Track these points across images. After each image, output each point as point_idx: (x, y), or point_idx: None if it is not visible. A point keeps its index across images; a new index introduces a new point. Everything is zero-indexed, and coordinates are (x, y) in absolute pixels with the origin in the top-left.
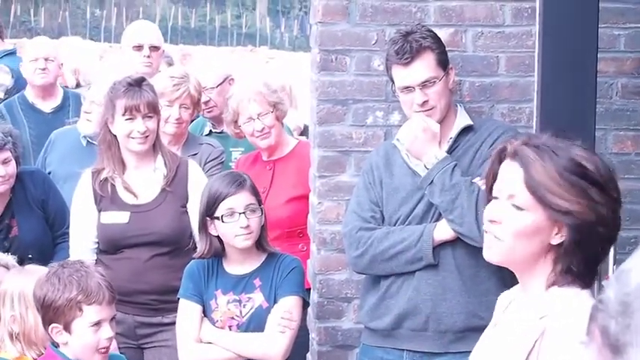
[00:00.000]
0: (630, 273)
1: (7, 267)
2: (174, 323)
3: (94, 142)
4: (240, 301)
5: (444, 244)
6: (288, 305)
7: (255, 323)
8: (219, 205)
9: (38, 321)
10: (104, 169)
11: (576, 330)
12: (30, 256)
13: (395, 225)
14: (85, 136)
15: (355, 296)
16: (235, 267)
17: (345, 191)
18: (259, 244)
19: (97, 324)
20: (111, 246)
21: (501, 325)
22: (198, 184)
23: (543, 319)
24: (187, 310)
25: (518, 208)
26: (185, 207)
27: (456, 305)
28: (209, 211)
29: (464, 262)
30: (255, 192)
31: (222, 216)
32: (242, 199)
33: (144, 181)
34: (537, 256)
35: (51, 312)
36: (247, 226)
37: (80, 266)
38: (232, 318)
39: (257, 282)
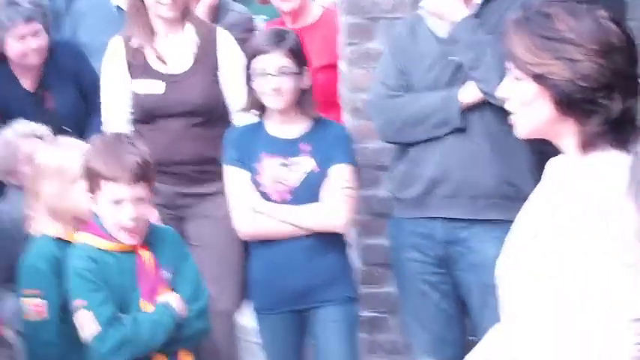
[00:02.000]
0: None
1: (41, 138)
2: (213, 193)
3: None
4: (287, 165)
5: (472, 109)
6: (343, 173)
7: (308, 188)
8: (252, 61)
9: (79, 196)
10: (133, 36)
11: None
12: (65, 128)
13: (422, 92)
14: (117, 5)
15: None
16: (279, 129)
17: (374, 58)
18: (302, 109)
19: (117, 202)
20: (146, 116)
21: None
22: (228, 51)
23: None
24: (235, 177)
25: (517, 79)
26: (216, 76)
27: (486, 170)
28: (248, 65)
29: (494, 127)
30: (295, 53)
31: (252, 74)
32: (274, 59)
33: (174, 50)
34: (555, 121)
35: (85, 179)
36: (277, 89)
37: (115, 140)
38: (280, 182)
39: (305, 147)
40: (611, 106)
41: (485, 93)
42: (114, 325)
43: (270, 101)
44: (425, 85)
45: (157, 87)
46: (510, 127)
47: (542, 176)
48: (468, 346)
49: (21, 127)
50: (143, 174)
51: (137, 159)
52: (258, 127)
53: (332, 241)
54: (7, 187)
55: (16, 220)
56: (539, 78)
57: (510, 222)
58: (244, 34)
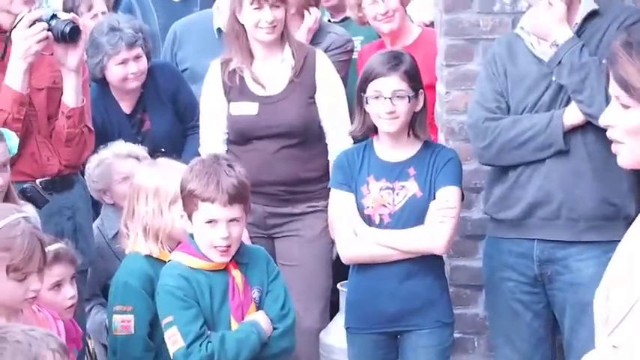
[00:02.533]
0: None
1: (137, 158)
2: (303, 213)
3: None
4: (393, 189)
5: (574, 130)
6: (448, 195)
7: (409, 212)
8: (368, 84)
9: (174, 217)
10: (232, 59)
11: None
12: (162, 149)
13: (522, 114)
14: (218, 28)
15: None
16: (388, 153)
17: (472, 80)
18: (412, 131)
19: (211, 222)
20: (240, 137)
21: None
22: (325, 74)
23: None
24: (339, 199)
25: (625, 106)
26: (313, 98)
27: (587, 192)
28: (362, 87)
29: (595, 147)
30: (410, 76)
31: (367, 97)
32: (390, 83)
33: (272, 72)
34: None
35: (182, 200)
36: (392, 112)
37: (213, 162)
38: (384, 205)
39: (411, 171)
40: None
41: (590, 116)
42: (201, 342)
43: (383, 124)
44: (525, 107)
45: (251, 108)
46: (610, 146)
47: None
48: None
49: (118, 147)
50: (239, 195)
51: (234, 180)
52: (367, 149)
53: (430, 264)
54: (102, 205)
55: (108, 237)
56: None
57: (610, 242)
58: (344, 55)
